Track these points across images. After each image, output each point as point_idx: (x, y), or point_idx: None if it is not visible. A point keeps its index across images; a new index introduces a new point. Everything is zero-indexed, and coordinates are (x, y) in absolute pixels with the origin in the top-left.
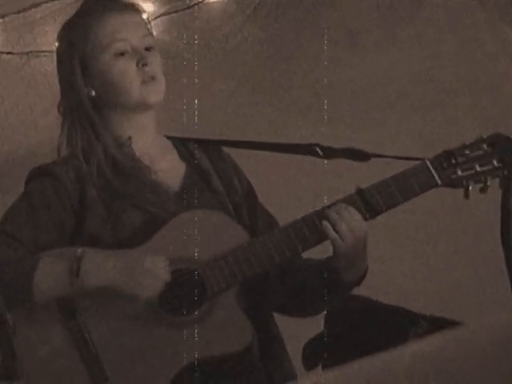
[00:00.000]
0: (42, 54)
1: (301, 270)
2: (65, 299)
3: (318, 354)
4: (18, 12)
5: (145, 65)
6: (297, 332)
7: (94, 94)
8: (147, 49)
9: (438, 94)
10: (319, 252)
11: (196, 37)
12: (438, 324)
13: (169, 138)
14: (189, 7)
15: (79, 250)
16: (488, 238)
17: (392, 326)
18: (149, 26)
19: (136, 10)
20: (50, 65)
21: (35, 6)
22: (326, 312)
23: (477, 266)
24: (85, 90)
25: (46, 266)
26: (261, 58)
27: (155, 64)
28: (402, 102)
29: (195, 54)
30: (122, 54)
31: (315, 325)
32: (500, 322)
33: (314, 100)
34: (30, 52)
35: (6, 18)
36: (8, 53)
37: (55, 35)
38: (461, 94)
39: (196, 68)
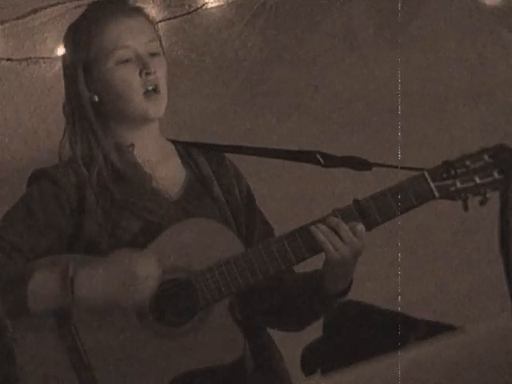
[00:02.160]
0: (42, 60)
1: (287, 282)
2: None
3: (317, 358)
4: (18, 18)
5: (148, 74)
6: (295, 337)
7: (97, 99)
8: (152, 54)
9: (436, 98)
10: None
11: (195, 42)
12: (437, 329)
13: (171, 141)
14: (188, 13)
15: (70, 270)
16: (486, 243)
17: (390, 331)
18: (155, 31)
19: (142, 14)
20: (49, 71)
21: (35, 12)
22: (324, 317)
23: (475, 272)
24: (87, 96)
25: (39, 279)
26: (260, 64)
27: (159, 72)
28: (401, 106)
29: (194, 60)
30: (126, 61)
31: (314, 330)
32: (498, 327)
33: (314, 104)
34: (30, 58)
35: (5, 24)
36: (7, 59)
37: (55, 41)
38: (460, 99)
39: (195, 74)
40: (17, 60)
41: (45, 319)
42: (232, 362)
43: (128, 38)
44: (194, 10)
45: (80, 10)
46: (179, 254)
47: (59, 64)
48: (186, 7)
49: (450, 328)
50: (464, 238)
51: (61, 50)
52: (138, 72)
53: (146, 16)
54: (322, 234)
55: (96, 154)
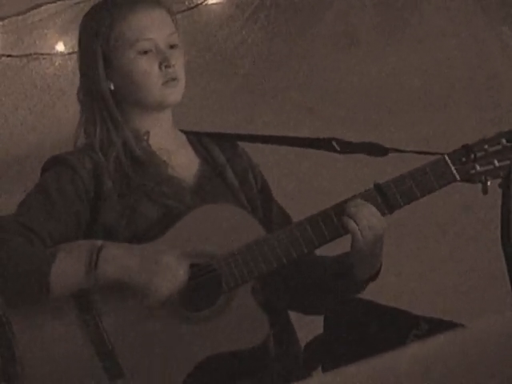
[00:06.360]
0: (42, 56)
1: (315, 265)
2: (81, 293)
3: (318, 355)
4: (18, 14)
5: (167, 66)
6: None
7: (112, 87)
8: (172, 46)
9: (438, 96)
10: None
11: (195, 39)
12: (438, 326)
13: (184, 131)
14: (188, 9)
15: (99, 242)
16: (488, 239)
17: (392, 327)
18: (175, 23)
19: (163, 6)
20: (49, 67)
21: (35, 8)
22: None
23: (477, 268)
24: (106, 83)
25: (64, 257)
26: (260, 60)
27: (178, 64)
28: (401, 104)
29: (194, 56)
30: (146, 52)
31: (315, 327)
32: (500, 323)
33: (314, 102)
34: (30, 54)
35: (5, 21)
36: (8, 55)
37: (55, 38)
38: (461, 96)
39: (195, 70)
40: (17, 56)
41: (67, 306)
42: (257, 345)
43: (151, 31)
44: (195, 6)
45: (80, 7)
46: (201, 238)
47: (59, 60)
48: (186, 3)
49: (452, 325)
50: (465, 233)
51: (60, 46)
52: (157, 64)
53: (166, 7)
54: (347, 215)
55: (115, 139)
